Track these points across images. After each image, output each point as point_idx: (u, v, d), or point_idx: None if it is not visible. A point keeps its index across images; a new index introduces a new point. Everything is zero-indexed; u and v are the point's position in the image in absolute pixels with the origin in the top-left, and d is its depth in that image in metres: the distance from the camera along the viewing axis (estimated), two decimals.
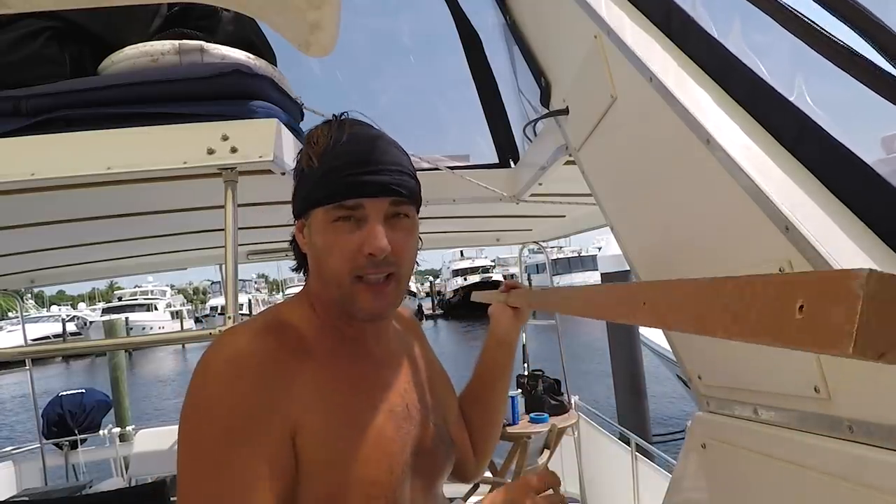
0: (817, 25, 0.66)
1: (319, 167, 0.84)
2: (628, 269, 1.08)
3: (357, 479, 0.78)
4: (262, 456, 0.72)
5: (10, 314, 36.00)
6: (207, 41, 1.54)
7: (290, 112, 1.61)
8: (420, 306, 46.39)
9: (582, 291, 0.79)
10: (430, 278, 64.75)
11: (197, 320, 49.52)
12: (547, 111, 1.42)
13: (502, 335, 1.18)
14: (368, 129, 0.89)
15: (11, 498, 4.09)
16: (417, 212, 0.91)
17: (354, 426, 0.81)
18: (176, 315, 44.08)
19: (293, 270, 0.98)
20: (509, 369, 1.19)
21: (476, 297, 1.37)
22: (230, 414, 0.72)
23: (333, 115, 0.91)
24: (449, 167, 2.33)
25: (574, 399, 4.30)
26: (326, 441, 0.76)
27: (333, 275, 0.84)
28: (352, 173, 0.82)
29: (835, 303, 0.30)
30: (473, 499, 3.79)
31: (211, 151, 1.36)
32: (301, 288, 0.96)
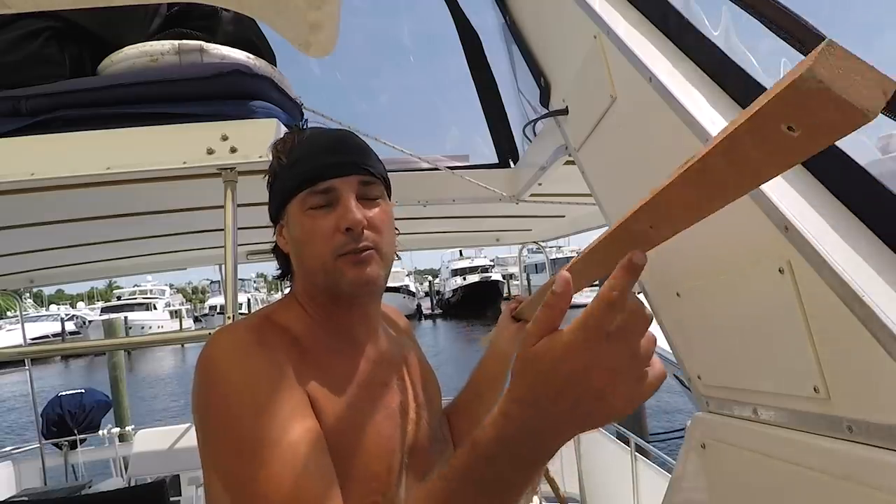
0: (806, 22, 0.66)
1: (287, 162, 0.87)
2: None
3: (360, 472, 0.78)
4: (295, 396, 0.74)
5: (8, 314, 35.98)
6: (207, 41, 1.54)
7: (290, 112, 1.61)
8: (419, 306, 46.40)
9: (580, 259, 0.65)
10: (430, 278, 64.82)
11: (196, 319, 49.45)
12: (547, 111, 1.42)
13: (499, 348, 1.18)
14: (331, 129, 0.95)
15: (11, 498, 4.09)
16: (389, 199, 0.93)
17: (355, 421, 0.81)
18: (175, 314, 44.10)
19: (277, 278, 0.99)
20: (500, 382, 1.17)
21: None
22: (253, 379, 0.73)
23: (294, 124, 0.96)
24: (449, 167, 2.32)
25: None
26: (330, 432, 0.76)
27: (316, 260, 0.84)
28: (318, 158, 0.86)
29: (811, 102, 0.31)
30: None
31: (210, 151, 1.37)
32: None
